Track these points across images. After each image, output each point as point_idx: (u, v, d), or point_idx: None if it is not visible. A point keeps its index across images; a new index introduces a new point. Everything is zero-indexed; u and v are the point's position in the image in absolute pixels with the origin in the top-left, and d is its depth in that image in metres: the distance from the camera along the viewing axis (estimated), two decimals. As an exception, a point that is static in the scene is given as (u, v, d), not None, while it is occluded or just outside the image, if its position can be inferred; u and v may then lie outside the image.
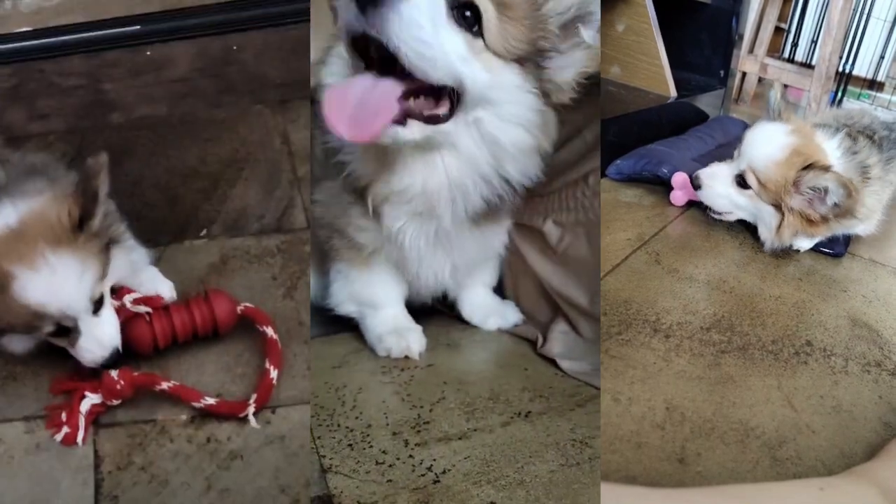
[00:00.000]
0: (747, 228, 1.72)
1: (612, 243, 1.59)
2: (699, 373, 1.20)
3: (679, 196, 1.82)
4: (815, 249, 1.67)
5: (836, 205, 1.48)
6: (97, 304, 1.05)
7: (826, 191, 1.48)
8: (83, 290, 1.01)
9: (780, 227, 1.55)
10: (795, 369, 1.24)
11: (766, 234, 1.60)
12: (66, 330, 1.03)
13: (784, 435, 1.09)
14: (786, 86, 3.10)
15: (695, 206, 1.80)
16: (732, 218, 1.70)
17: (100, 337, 1.06)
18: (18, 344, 1.09)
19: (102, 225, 1.04)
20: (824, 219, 1.52)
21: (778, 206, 1.54)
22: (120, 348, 1.08)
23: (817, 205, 1.51)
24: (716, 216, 1.72)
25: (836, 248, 1.66)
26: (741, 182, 1.60)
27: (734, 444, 1.06)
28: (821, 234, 1.59)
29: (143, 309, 1.14)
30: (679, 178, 1.80)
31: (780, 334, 1.33)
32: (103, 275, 1.05)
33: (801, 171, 1.50)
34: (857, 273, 1.61)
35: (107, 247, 1.07)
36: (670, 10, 2.83)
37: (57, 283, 0.98)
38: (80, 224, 1.01)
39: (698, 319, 1.35)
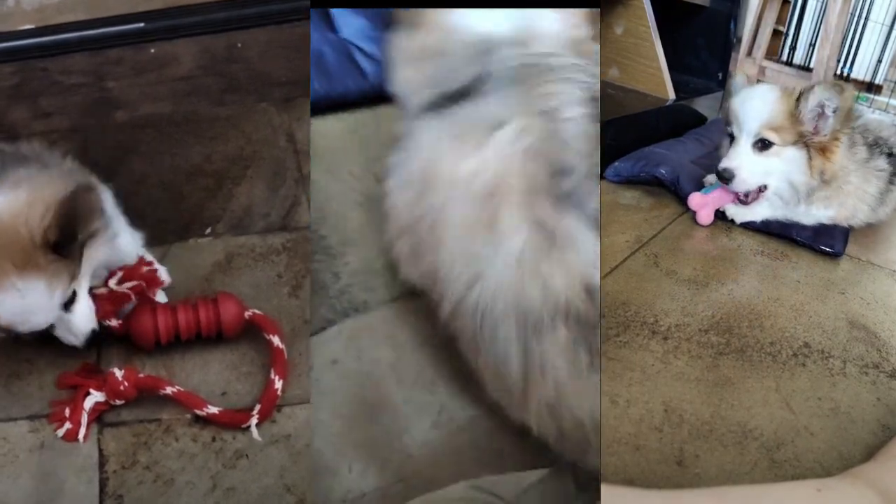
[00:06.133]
0: (745, 231, 1.74)
1: (611, 245, 1.60)
2: (697, 375, 1.21)
3: (705, 215, 1.78)
4: (815, 248, 1.68)
5: (836, 110, 1.59)
6: (70, 302, 1.04)
7: (822, 105, 1.60)
8: (53, 305, 1.00)
9: (811, 161, 1.64)
10: (793, 371, 1.25)
11: (802, 181, 1.67)
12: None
13: (782, 437, 1.09)
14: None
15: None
16: (758, 216, 1.75)
17: (73, 328, 1.06)
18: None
19: (78, 244, 1.01)
20: (835, 137, 1.62)
21: (799, 143, 1.64)
22: (97, 328, 1.08)
23: (822, 125, 1.62)
24: (741, 218, 1.76)
25: (836, 246, 1.67)
26: (761, 146, 1.66)
27: (732, 446, 1.07)
28: (837, 162, 1.65)
29: (130, 285, 1.14)
30: (695, 200, 1.78)
31: (778, 336, 1.34)
32: (75, 276, 1.02)
33: (795, 103, 1.63)
34: (855, 275, 1.62)
35: (80, 247, 1.03)
36: (669, 13, 2.84)
37: (26, 305, 0.97)
38: (55, 247, 0.97)
39: (696, 321, 1.36)
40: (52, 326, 1.04)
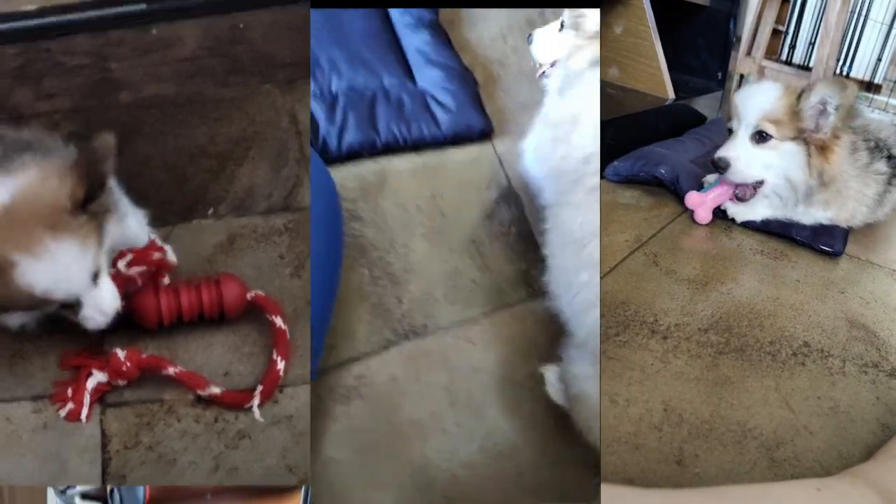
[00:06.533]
0: (744, 231, 1.75)
1: (610, 245, 1.60)
2: (697, 374, 1.21)
3: (702, 214, 1.78)
4: (814, 248, 1.70)
5: (837, 107, 1.59)
6: (95, 275, 1.03)
7: (824, 102, 1.59)
8: (86, 270, 1.00)
9: (810, 158, 1.64)
10: (793, 370, 1.26)
11: (800, 179, 1.66)
12: (69, 304, 1.02)
13: (782, 436, 1.10)
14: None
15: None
16: (758, 215, 1.75)
17: (100, 305, 1.04)
18: (15, 320, 1.09)
19: (103, 203, 1.02)
20: (835, 135, 1.62)
21: (799, 139, 1.64)
22: (120, 309, 1.07)
23: (823, 122, 1.61)
24: (741, 217, 1.76)
25: (836, 246, 1.68)
26: (759, 138, 1.65)
27: (732, 446, 1.07)
28: (835, 163, 1.64)
29: (138, 270, 1.13)
30: (692, 198, 1.79)
31: (778, 335, 1.35)
32: (101, 242, 1.02)
33: (797, 100, 1.62)
34: (855, 275, 1.64)
35: (105, 204, 1.04)
36: (669, 13, 2.84)
37: (60, 270, 0.96)
38: (84, 204, 0.98)
39: (696, 321, 1.36)
40: (78, 305, 1.03)
